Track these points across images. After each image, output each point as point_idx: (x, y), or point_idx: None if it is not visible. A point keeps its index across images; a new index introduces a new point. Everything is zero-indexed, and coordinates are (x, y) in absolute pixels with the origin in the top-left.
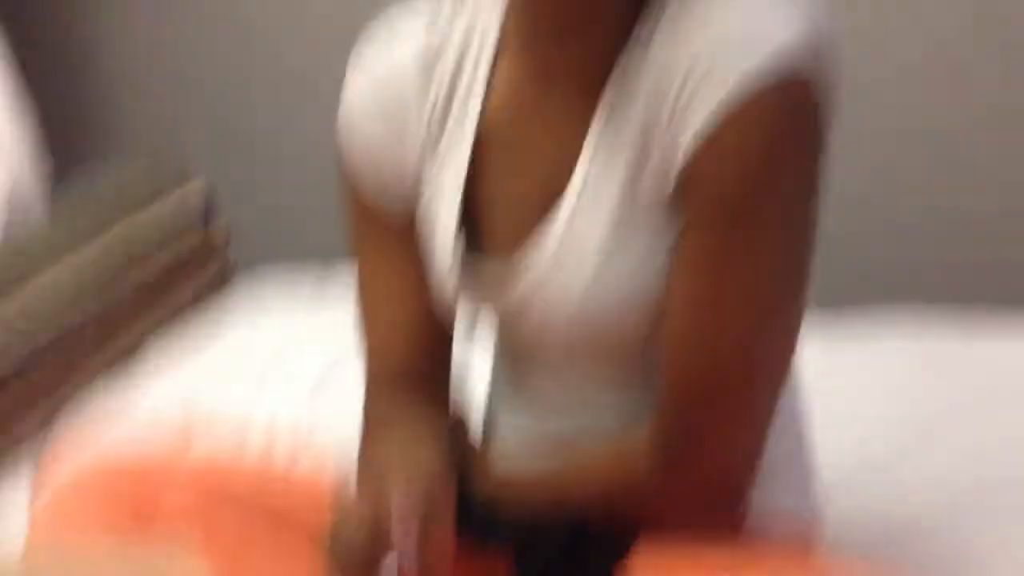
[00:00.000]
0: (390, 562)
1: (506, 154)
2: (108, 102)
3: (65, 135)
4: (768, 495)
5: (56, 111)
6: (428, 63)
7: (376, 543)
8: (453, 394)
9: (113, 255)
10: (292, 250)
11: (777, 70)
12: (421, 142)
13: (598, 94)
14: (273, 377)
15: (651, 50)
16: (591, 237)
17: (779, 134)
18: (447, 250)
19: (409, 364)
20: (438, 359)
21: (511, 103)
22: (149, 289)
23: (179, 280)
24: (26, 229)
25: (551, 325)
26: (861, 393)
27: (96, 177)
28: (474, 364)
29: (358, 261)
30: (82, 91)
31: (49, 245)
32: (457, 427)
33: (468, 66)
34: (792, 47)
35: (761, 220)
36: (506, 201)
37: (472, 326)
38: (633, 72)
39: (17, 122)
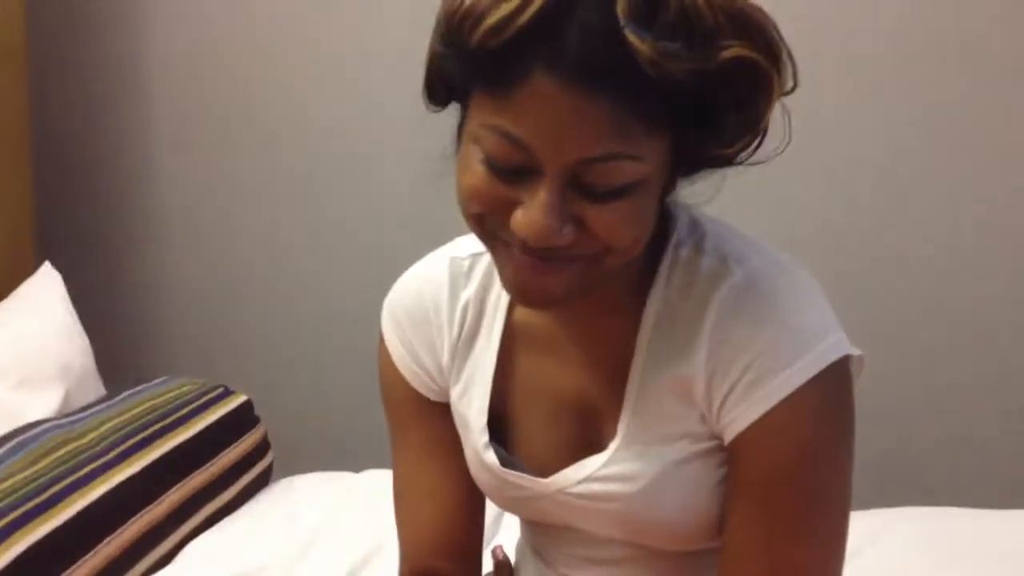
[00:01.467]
0: None
1: (534, 359)
2: (158, 328)
3: (118, 358)
4: None
5: (112, 338)
6: (458, 276)
7: None
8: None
9: (158, 467)
10: (327, 459)
11: (828, 359)
12: (451, 341)
13: (629, 325)
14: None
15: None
16: (633, 474)
17: (830, 412)
18: (478, 446)
19: (439, 542)
20: (469, 538)
21: (536, 318)
22: (191, 497)
23: (219, 488)
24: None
25: (587, 531)
26: None
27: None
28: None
29: (395, 456)
30: (135, 318)
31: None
32: None
33: (496, 287)
34: (836, 337)
35: (813, 488)
36: (536, 410)
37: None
38: (668, 321)
39: (75, 346)
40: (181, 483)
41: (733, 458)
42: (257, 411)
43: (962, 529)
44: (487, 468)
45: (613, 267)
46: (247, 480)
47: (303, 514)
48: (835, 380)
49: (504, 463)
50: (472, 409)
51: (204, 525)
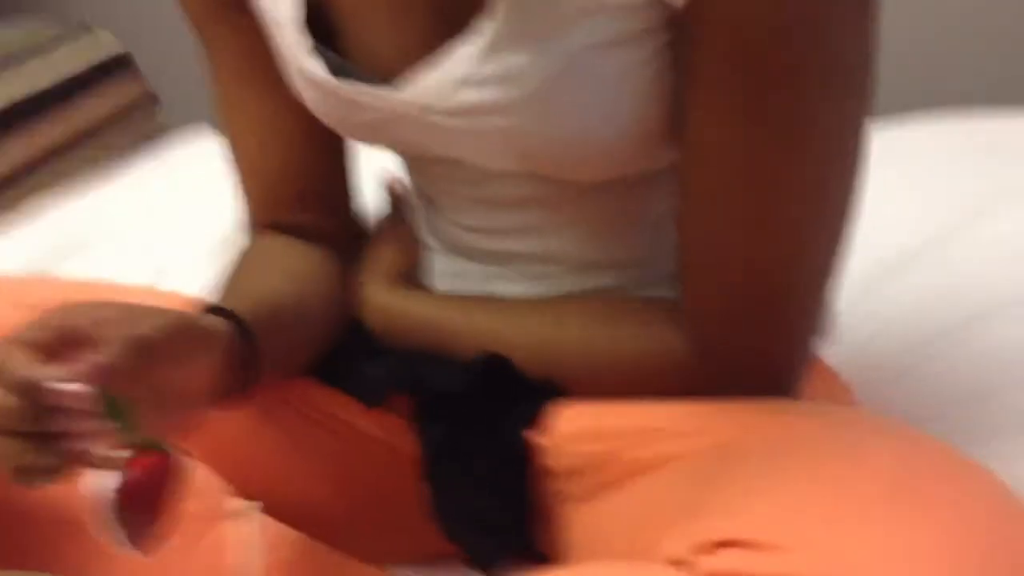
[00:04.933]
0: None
1: None
2: None
3: None
4: None
5: None
6: None
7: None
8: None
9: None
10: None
11: None
12: None
13: None
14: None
15: None
16: (521, 71)
17: None
18: (298, 54)
19: (289, 191)
20: (326, 183)
21: None
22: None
23: (100, 135)
24: None
25: (473, 165)
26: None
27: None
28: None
29: (217, 92)
30: None
31: None
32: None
33: None
34: None
35: (814, 68)
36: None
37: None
38: None
39: None
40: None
41: (694, 28)
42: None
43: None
44: (315, 83)
45: None
46: (115, 137)
47: (177, 180)
48: None
49: (338, 72)
50: (282, 7)
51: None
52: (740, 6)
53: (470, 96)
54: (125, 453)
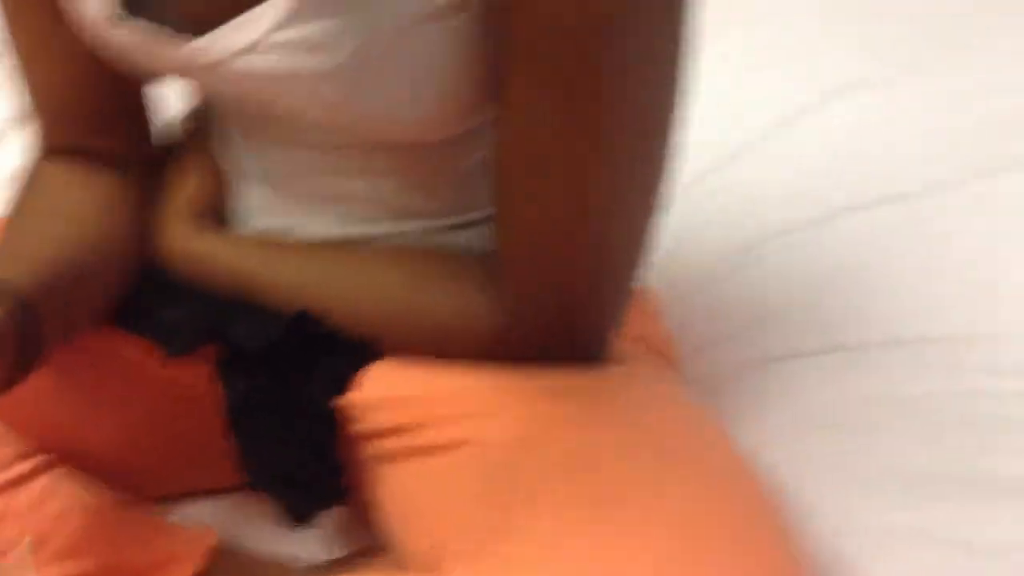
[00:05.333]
0: None
1: None
2: None
3: None
4: None
5: None
6: None
7: None
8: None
9: None
10: None
11: None
12: None
13: None
14: None
15: None
16: (327, 41)
17: None
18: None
19: (80, 114)
20: (121, 107)
21: None
22: None
23: None
24: None
25: (285, 119)
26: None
27: None
28: None
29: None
30: None
31: None
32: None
33: None
34: None
35: (615, 66)
36: None
37: None
38: None
39: None
40: None
41: (501, 20)
42: None
43: None
44: (101, 20)
45: None
46: None
47: None
48: None
49: (129, 10)
50: None
51: None
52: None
53: (270, 61)
54: None
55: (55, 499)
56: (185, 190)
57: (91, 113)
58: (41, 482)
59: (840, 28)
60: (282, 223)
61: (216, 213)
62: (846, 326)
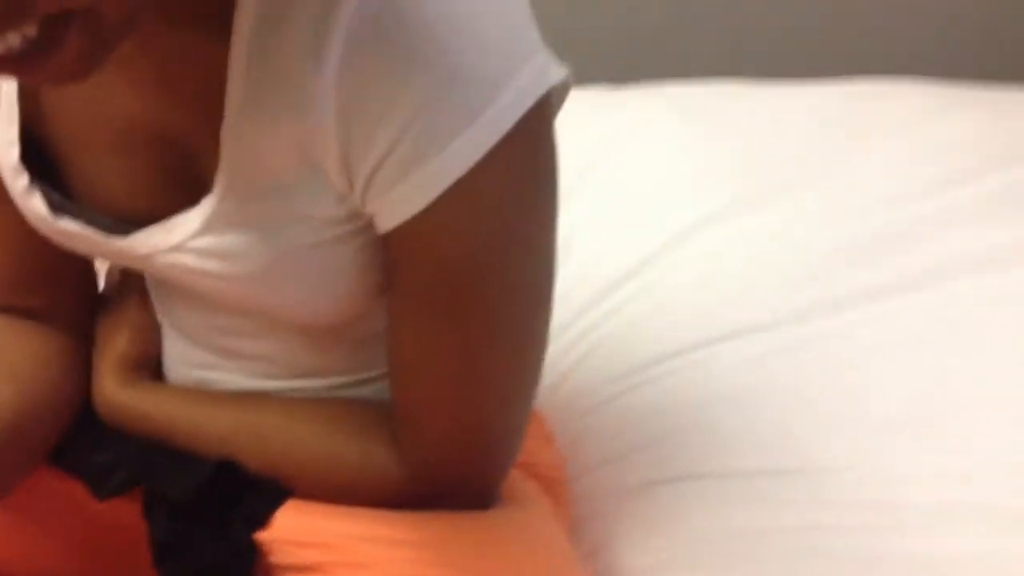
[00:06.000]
0: None
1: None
2: None
3: None
4: None
5: None
6: None
7: None
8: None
9: None
10: None
11: (518, 110)
12: None
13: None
14: None
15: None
16: (238, 252)
17: (520, 182)
18: (16, 190)
19: (21, 277)
20: (63, 269)
21: None
22: None
23: None
24: None
25: (209, 303)
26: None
27: None
28: None
29: None
30: None
31: None
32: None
33: None
34: (530, 67)
35: (503, 286)
36: (105, 144)
37: None
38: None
39: None
40: None
41: (390, 251)
42: None
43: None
44: (38, 217)
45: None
46: None
47: None
48: (529, 135)
49: (60, 210)
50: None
51: None
52: (430, 239)
53: (189, 261)
54: None
55: None
56: (117, 343)
57: (31, 275)
58: None
59: (701, 157)
60: (198, 375)
61: (151, 362)
62: (724, 453)
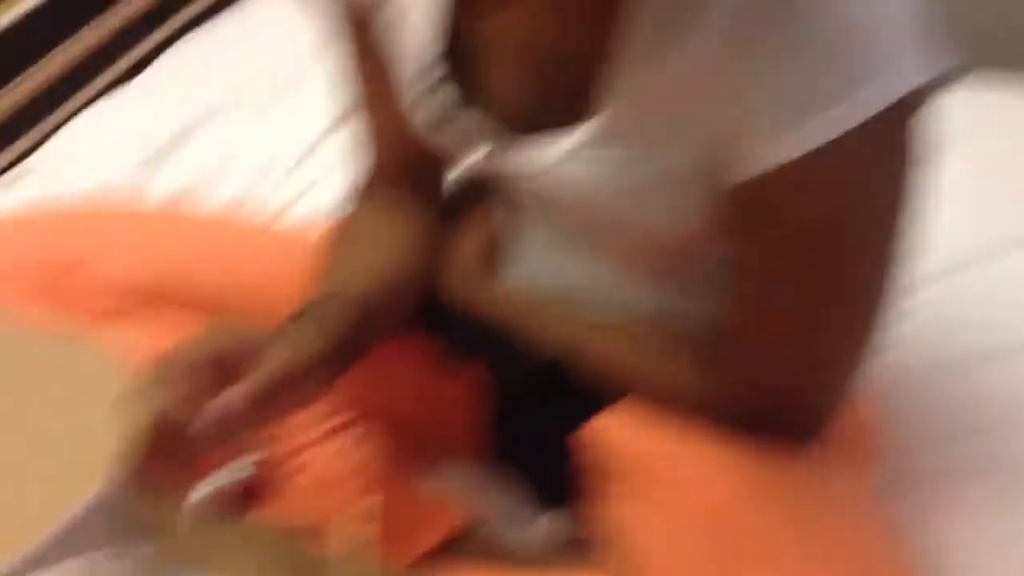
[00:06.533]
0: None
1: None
2: None
3: None
4: None
5: None
6: None
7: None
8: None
9: None
10: None
11: (894, 93)
12: None
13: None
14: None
15: None
16: (607, 172)
17: (887, 159)
18: (415, 86)
19: (402, 155)
20: (428, 162)
21: None
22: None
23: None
24: None
25: (560, 213)
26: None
27: None
28: None
29: (351, 59)
30: None
31: None
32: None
33: None
34: (914, 57)
35: (847, 256)
36: (502, 52)
37: None
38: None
39: None
40: None
41: (745, 202)
42: None
43: None
44: (425, 120)
45: None
46: None
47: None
48: (904, 117)
49: (447, 118)
50: (411, 39)
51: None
52: (787, 201)
53: (566, 171)
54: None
55: (354, 452)
56: (473, 237)
57: (410, 157)
58: (346, 435)
59: None
60: (544, 275)
61: (494, 259)
62: None
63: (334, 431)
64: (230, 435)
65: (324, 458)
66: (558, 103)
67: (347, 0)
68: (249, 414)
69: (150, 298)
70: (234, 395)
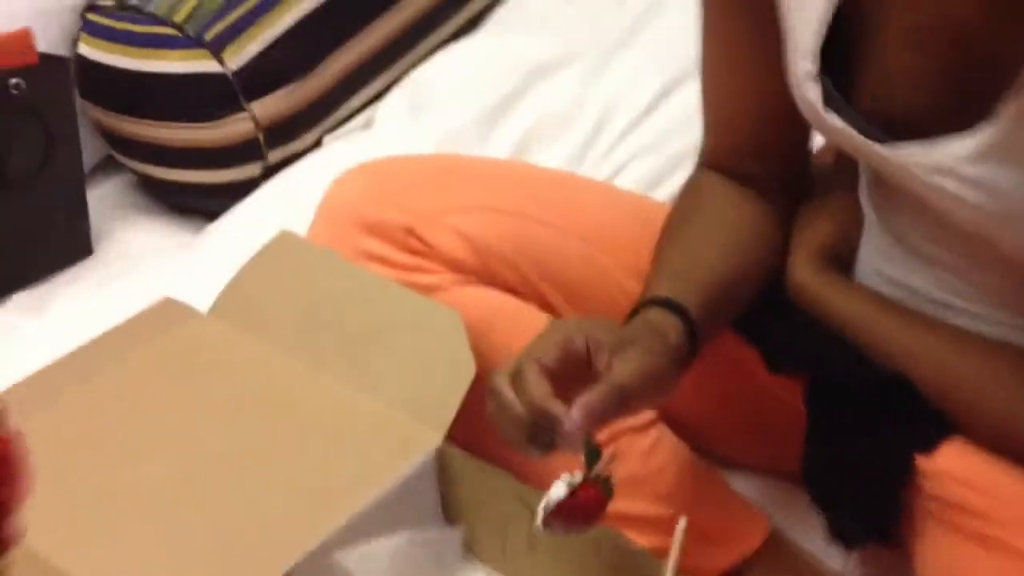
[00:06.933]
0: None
1: None
2: None
3: None
4: None
5: None
6: None
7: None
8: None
9: None
10: None
11: None
12: None
13: None
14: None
15: None
16: (1001, 187)
17: None
18: (799, 72)
19: (749, 144)
20: (786, 144)
21: None
22: None
23: None
24: None
25: (936, 217)
26: None
27: None
28: None
29: (704, 23)
30: None
31: None
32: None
33: None
34: None
35: None
36: (902, 48)
37: None
38: None
39: None
40: None
41: None
42: None
43: None
44: (807, 103)
45: None
46: None
47: None
48: None
49: (830, 103)
50: (801, 16)
51: None
52: None
53: (948, 184)
54: (579, 479)
55: (662, 450)
56: (820, 229)
57: (759, 141)
58: (653, 433)
59: None
60: (891, 274)
61: (841, 255)
62: None
63: (644, 427)
64: (587, 436)
65: (635, 455)
66: (954, 102)
67: None
68: (611, 413)
69: (497, 259)
70: (601, 393)
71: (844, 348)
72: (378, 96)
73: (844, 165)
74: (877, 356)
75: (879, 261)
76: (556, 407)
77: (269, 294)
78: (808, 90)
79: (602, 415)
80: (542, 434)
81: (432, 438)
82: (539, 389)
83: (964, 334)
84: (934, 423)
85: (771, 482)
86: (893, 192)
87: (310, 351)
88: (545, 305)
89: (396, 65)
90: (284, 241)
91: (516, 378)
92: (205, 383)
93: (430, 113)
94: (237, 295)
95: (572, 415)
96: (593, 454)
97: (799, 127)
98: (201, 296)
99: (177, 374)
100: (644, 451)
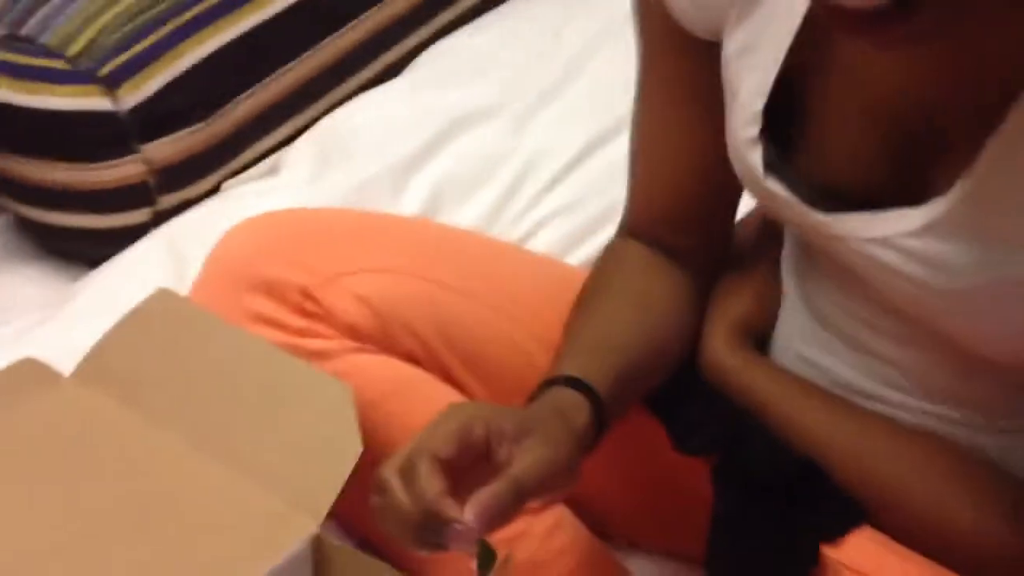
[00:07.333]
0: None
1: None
2: None
3: None
4: None
5: None
6: None
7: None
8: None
9: None
10: None
11: None
12: None
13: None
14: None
15: None
16: (950, 266)
17: None
18: (740, 135)
19: (674, 216)
20: (713, 220)
21: None
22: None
23: None
24: None
25: (870, 300)
26: None
27: None
28: None
29: (638, 102)
30: None
31: None
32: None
33: None
34: None
35: None
36: (844, 114)
37: None
38: None
39: None
40: None
41: None
42: None
43: None
44: (747, 168)
45: None
46: None
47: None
48: None
49: (771, 168)
50: (747, 80)
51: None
52: None
53: (890, 258)
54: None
55: (562, 532)
56: (738, 304)
57: (685, 215)
58: (554, 514)
59: None
60: (809, 354)
61: (759, 332)
62: None
63: (542, 509)
64: (488, 530)
65: (535, 537)
66: (897, 174)
67: (692, 17)
68: (508, 512)
69: (398, 325)
70: (499, 492)
71: (755, 430)
72: (287, 141)
73: (768, 236)
74: (791, 441)
75: (798, 342)
76: (449, 508)
77: (142, 358)
78: (749, 154)
79: (499, 515)
80: (432, 535)
81: (308, 525)
82: (432, 487)
83: (886, 422)
84: (845, 511)
85: (673, 566)
86: (820, 266)
87: (184, 424)
88: (447, 377)
89: (309, 110)
90: (162, 299)
91: (407, 472)
92: (62, 456)
93: (340, 162)
94: (106, 358)
95: (466, 517)
96: (486, 556)
97: (728, 203)
98: (72, 354)
99: (31, 446)
100: (544, 533)
